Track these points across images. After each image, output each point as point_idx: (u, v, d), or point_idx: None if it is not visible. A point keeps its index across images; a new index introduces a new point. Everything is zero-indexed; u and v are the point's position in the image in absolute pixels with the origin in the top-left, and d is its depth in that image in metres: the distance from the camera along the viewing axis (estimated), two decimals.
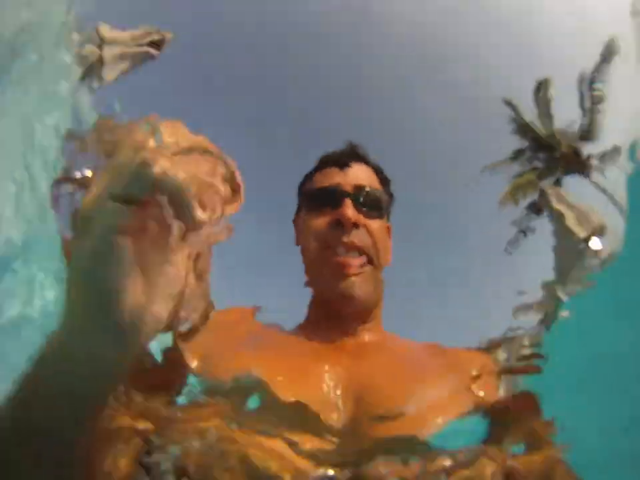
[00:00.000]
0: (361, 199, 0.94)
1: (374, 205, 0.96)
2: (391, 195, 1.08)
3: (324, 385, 0.80)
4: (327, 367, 0.83)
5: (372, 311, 0.96)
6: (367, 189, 0.96)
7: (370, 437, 0.74)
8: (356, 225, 0.90)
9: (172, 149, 0.41)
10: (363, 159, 1.04)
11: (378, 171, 1.06)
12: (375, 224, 0.95)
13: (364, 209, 0.94)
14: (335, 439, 0.73)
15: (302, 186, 1.07)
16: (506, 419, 0.87)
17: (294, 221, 1.08)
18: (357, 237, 0.91)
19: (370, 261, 0.93)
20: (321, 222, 0.93)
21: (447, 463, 0.69)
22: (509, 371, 1.00)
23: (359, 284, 0.90)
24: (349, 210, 0.90)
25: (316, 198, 0.98)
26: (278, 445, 0.66)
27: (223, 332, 0.81)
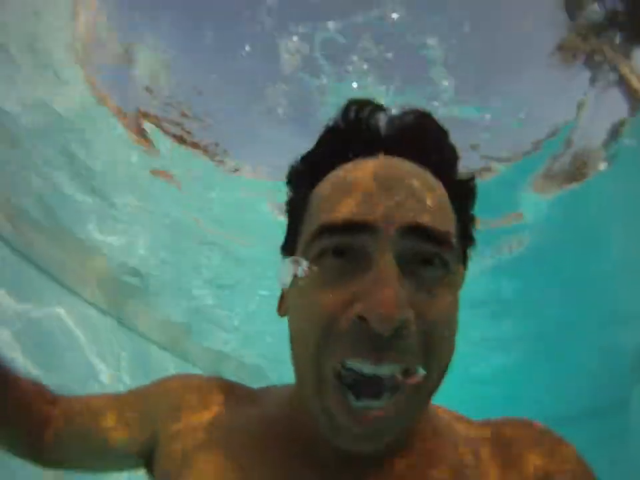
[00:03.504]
0: (414, 254, 0.52)
1: (440, 262, 0.53)
2: (469, 223, 0.62)
3: None
4: None
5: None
6: (433, 229, 0.52)
7: None
8: (401, 328, 0.48)
9: None
10: (423, 143, 0.59)
11: (447, 169, 0.60)
12: (439, 301, 0.52)
13: (419, 272, 0.52)
14: None
15: (300, 188, 0.65)
16: None
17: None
18: (401, 340, 0.49)
19: (418, 374, 0.52)
20: (330, 299, 0.52)
21: None
22: None
23: (388, 424, 0.53)
24: (391, 296, 0.47)
25: (323, 237, 0.54)
26: None
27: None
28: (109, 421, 0.73)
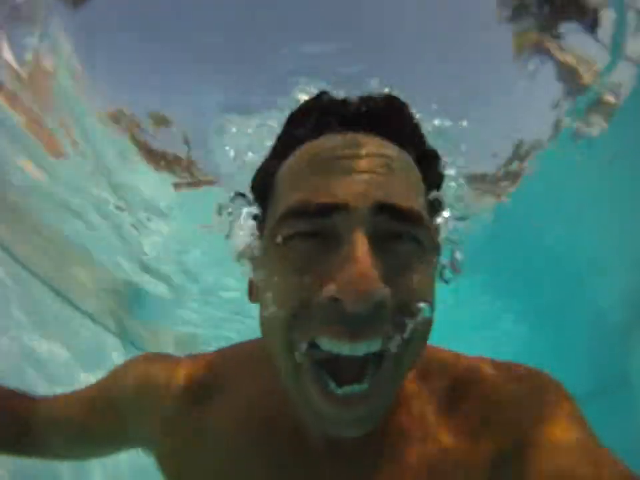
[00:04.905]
0: (386, 231, 0.50)
1: (412, 238, 0.51)
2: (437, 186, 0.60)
3: None
4: None
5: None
6: (406, 208, 0.50)
7: None
8: (377, 306, 0.46)
9: None
10: (393, 122, 0.56)
11: (416, 143, 0.58)
12: (414, 275, 0.51)
13: (393, 248, 0.50)
14: None
15: (269, 170, 0.60)
16: None
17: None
18: (378, 318, 0.47)
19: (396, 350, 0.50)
20: (300, 280, 0.50)
21: None
22: None
23: (374, 408, 0.51)
24: (365, 274, 0.44)
25: (291, 219, 0.51)
26: None
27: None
28: (87, 416, 0.74)
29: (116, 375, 0.77)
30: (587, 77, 2.65)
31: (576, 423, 0.57)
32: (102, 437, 0.75)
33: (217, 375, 0.71)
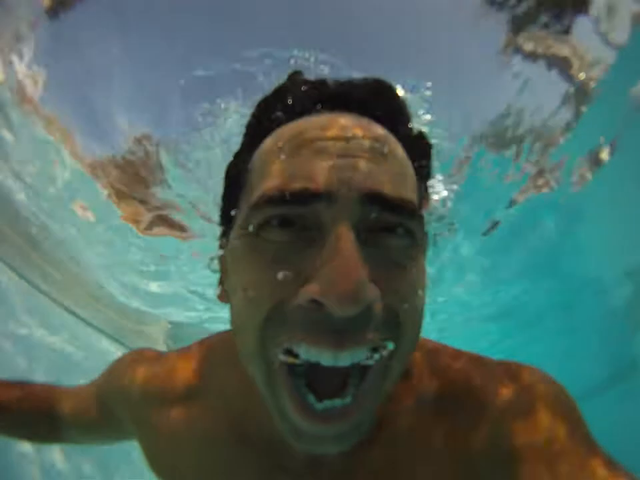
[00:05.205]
0: (375, 222, 0.44)
1: (404, 232, 0.46)
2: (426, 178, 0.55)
3: None
4: None
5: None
6: (398, 198, 0.45)
7: None
8: (365, 311, 0.41)
9: None
10: (381, 105, 0.51)
11: (403, 125, 0.52)
12: (406, 274, 0.46)
13: (382, 242, 0.45)
14: None
15: (242, 158, 0.55)
16: None
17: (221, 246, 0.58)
18: (365, 323, 0.42)
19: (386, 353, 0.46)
20: (276, 277, 0.43)
21: None
22: None
23: (357, 423, 0.46)
24: (351, 275, 0.39)
25: (265, 207, 0.45)
26: None
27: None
28: (92, 411, 0.79)
29: (111, 372, 0.80)
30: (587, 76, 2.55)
31: (573, 428, 0.54)
32: (108, 428, 0.80)
33: (201, 372, 0.67)
